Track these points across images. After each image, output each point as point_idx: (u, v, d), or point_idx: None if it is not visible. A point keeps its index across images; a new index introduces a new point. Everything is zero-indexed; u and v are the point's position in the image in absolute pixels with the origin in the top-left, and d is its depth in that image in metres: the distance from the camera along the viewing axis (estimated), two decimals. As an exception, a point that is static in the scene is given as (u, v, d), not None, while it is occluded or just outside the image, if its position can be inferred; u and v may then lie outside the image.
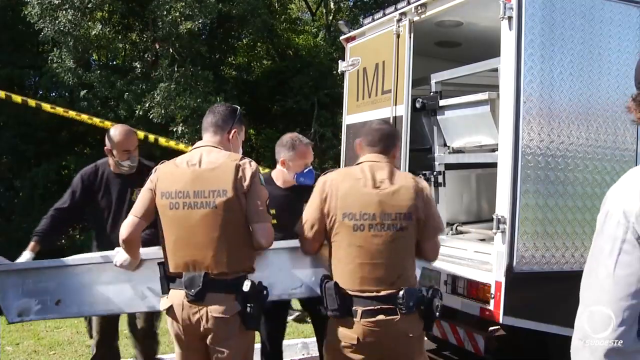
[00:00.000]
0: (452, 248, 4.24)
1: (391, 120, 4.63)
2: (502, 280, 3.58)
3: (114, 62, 17.71)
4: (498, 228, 3.61)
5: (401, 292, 2.81)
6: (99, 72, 15.04)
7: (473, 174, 5.04)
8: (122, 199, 3.88)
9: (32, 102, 9.75)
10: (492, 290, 3.63)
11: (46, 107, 9.46)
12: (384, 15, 4.86)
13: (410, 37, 4.56)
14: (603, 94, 3.81)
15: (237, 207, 2.76)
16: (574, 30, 3.70)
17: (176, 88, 13.88)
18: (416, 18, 4.50)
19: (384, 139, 3.05)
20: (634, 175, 1.62)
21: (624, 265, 1.52)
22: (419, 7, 4.43)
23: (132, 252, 3.00)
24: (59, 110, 9.66)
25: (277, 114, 18.31)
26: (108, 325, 4.02)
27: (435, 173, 4.72)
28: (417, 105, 4.65)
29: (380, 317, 2.80)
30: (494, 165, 3.83)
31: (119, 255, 3.09)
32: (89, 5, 13.76)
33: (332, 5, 19.58)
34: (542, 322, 3.70)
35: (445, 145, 4.74)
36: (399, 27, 4.63)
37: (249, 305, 2.76)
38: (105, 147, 3.88)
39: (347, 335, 2.84)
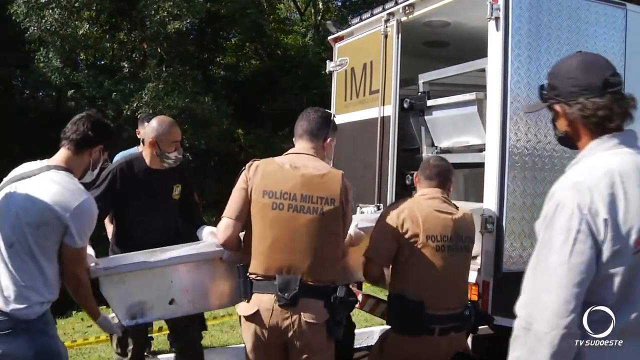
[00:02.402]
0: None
1: (379, 121, 4.64)
2: (490, 280, 3.60)
3: (102, 62, 17.62)
4: (485, 228, 3.62)
5: (466, 311, 3.16)
6: (86, 71, 14.99)
7: (460, 174, 5.06)
8: (164, 196, 3.60)
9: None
10: (480, 290, 3.65)
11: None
12: (372, 15, 4.87)
13: (398, 37, 4.57)
14: (589, 95, 3.83)
15: (340, 217, 2.77)
16: (561, 31, 3.72)
17: (164, 88, 13.84)
18: (404, 18, 4.51)
19: (442, 174, 3.29)
20: (581, 174, 1.74)
21: (578, 254, 1.64)
22: (406, 8, 4.44)
23: (235, 252, 2.92)
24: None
25: (265, 114, 18.29)
26: (141, 332, 3.92)
27: (423, 173, 4.72)
28: (405, 105, 4.65)
29: (452, 334, 3.10)
30: (481, 165, 3.84)
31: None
32: (76, 5, 13.68)
33: (320, 5, 19.61)
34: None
35: (433, 145, 4.75)
36: (386, 27, 4.63)
37: (336, 313, 2.73)
38: (149, 140, 3.50)
39: (417, 352, 3.07)
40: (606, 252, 1.63)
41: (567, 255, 1.64)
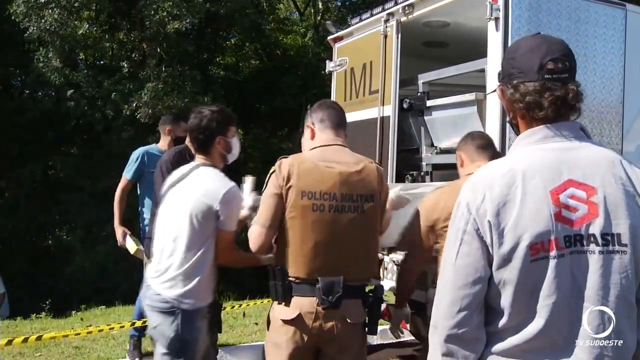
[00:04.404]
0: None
1: (378, 121, 4.64)
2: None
3: (101, 62, 17.61)
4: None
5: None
6: (85, 71, 14.95)
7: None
8: None
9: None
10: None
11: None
12: (372, 15, 4.87)
13: (397, 38, 4.57)
14: (589, 95, 3.84)
15: (378, 213, 2.77)
16: (560, 32, 3.72)
17: (164, 88, 13.81)
18: (404, 18, 4.51)
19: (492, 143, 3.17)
20: (484, 171, 1.66)
21: (463, 256, 1.57)
22: (406, 8, 4.44)
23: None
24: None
25: (265, 114, 18.28)
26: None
27: (422, 173, 4.73)
28: (405, 105, 4.66)
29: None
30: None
31: None
32: (76, 4, 13.64)
33: (320, 5, 19.59)
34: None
35: (432, 145, 4.75)
36: (386, 27, 4.64)
37: (374, 311, 2.77)
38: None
39: None
40: (495, 256, 1.54)
41: (454, 257, 1.58)
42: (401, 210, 3.19)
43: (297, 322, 2.64)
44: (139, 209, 5.24)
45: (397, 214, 3.20)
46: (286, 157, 2.75)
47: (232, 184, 3.01)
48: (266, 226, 2.69)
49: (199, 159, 3.17)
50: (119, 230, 5.05)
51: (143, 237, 5.17)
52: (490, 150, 3.07)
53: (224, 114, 3.20)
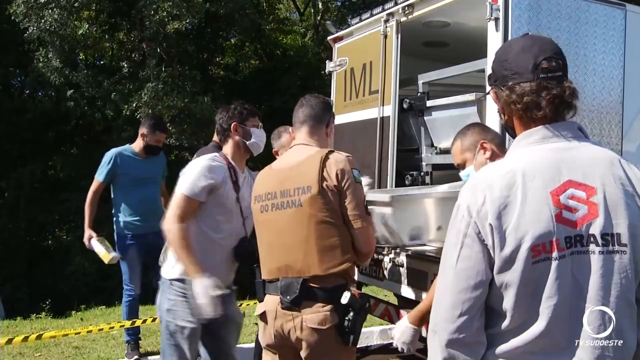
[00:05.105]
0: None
1: (378, 121, 4.64)
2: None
3: (101, 62, 17.65)
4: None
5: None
6: (85, 71, 14.95)
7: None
8: None
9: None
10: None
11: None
12: (372, 15, 4.87)
13: (397, 38, 4.57)
14: (588, 95, 3.84)
15: (324, 202, 2.55)
16: (560, 32, 3.72)
17: (163, 88, 13.82)
18: (403, 18, 4.51)
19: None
20: (484, 173, 1.65)
21: (464, 259, 1.56)
22: (406, 8, 4.44)
23: None
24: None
25: (265, 114, 18.25)
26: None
27: (422, 173, 4.73)
28: (405, 105, 4.65)
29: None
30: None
31: None
32: (76, 5, 13.64)
33: (320, 6, 19.57)
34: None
35: (432, 145, 4.75)
36: (386, 27, 4.63)
37: (347, 318, 2.55)
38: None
39: None
40: (496, 259, 1.52)
41: (455, 260, 1.57)
42: (409, 209, 3.19)
43: (263, 318, 2.73)
44: (112, 211, 5.18)
45: (405, 213, 3.21)
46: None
47: (200, 160, 3.22)
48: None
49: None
50: (87, 232, 5.00)
51: (118, 240, 5.15)
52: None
53: (245, 106, 3.39)
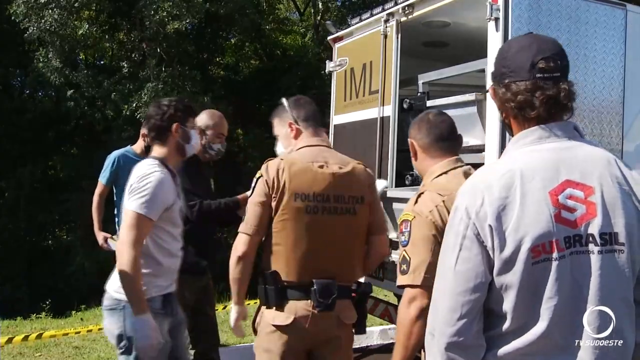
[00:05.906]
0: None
1: (378, 121, 4.64)
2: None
3: (101, 62, 17.65)
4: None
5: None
6: (85, 71, 14.97)
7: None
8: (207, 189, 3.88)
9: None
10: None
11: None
12: (372, 15, 4.86)
13: (397, 38, 4.57)
14: (589, 95, 3.84)
15: (368, 214, 2.75)
16: (560, 32, 3.72)
17: (164, 88, 13.83)
18: (403, 18, 4.50)
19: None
20: (481, 174, 1.65)
21: (463, 261, 1.55)
22: (406, 8, 4.43)
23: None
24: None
25: (265, 114, 18.25)
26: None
27: (422, 173, 4.73)
28: (405, 105, 4.65)
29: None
30: (480, 165, 3.83)
31: None
32: (76, 5, 13.66)
33: (320, 6, 19.58)
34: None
35: (432, 145, 4.74)
36: (386, 27, 4.63)
37: (362, 309, 2.80)
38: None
39: None
40: (496, 261, 1.51)
41: (454, 262, 1.55)
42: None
43: (292, 327, 2.58)
44: (115, 211, 5.14)
45: None
46: (272, 159, 2.69)
47: (150, 172, 2.78)
48: (250, 233, 2.61)
49: (153, 152, 2.96)
50: (99, 235, 5.05)
51: None
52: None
53: (185, 104, 3.04)
